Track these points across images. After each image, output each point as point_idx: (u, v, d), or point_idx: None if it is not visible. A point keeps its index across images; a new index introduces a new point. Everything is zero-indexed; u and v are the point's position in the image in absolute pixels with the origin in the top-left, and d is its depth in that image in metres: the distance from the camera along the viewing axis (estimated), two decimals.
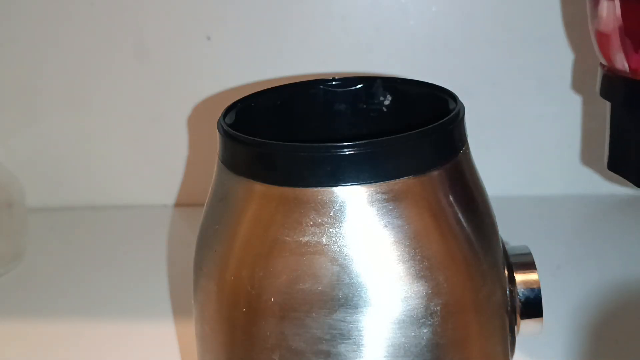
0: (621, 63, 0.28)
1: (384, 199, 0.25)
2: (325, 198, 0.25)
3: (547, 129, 0.56)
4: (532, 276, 0.30)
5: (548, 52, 0.54)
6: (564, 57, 0.54)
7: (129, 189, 0.62)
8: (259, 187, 0.27)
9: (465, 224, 0.27)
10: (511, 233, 0.39)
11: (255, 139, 0.27)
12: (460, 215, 0.27)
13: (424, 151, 0.27)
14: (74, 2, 0.55)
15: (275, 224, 0.26)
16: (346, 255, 0.25)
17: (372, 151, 0.25)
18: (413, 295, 0.26)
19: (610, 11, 0.30)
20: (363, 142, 0.25)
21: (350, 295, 0.25)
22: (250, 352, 0.27)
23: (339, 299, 0.25)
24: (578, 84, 0.54)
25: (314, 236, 0.25)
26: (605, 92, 0.29)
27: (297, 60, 0.55)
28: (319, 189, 0.25)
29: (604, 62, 0.30)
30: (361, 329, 0.26)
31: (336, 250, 0.25)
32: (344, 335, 0.26)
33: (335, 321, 0.25)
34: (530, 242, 0.33)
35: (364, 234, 0.25)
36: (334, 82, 0.35)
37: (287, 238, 0.26)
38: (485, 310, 0.28)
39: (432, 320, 0.26)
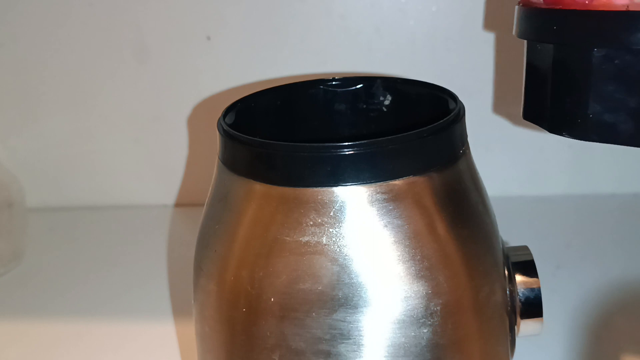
0: None
1: (384, 199, 0.25)
2: (325, 198, 0.25)
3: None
4: (532, 276, 0.30)
5: None
6: None
7: (129, 189, 0.62)
8: (259, 187, 0.27)
9: (465, 224, 0.27)
10: (511, 233, 0.39)
11: (255, 139, 0.27)
12: (460, 215, 0.27)
13: (424, 151, 0.27)
14: (74, 3, 0.55)
15: (275, 224, 0.26)
16: (346, 255, 0.25)
17: (372, 151, 0.25)
18: (413, 295, 0.26)
19: None
20: (363, 142, 0.25)
21: (350, 295, 0.25)
22: (250, 352, 0.27)
23: (339, 299, 0.25)
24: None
25: (314, 236, 0.25)
26: (521, 31, 0.27)
27: (297, 60, 0.55)
28: (319, 189, 0.25)
29: None
30: (361, 329, 0.26)
31: (336, 250, 0.25)
32: (344, 335, 0.26)
33: (335, 321, 0.25)
34: (530, 242, 0.33)
35: (364, 234, 0.25)
36: (334, 82, 0.35)
37: (287, 238, 0.26)
38: (485, 310, 0.28)
39: (432, 320, 0.26)
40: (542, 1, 0.26)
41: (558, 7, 0.25)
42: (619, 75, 0.24)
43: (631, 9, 0.23)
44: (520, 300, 0.29)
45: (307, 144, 0.25)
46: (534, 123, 0.29)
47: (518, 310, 0.29)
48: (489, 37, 0.53)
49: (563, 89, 0.26)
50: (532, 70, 0.28)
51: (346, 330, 0.26)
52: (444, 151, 0.27)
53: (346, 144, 0.25)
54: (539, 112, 0.28)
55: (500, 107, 0.56)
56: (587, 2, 0.24)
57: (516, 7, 0.27)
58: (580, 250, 0.49)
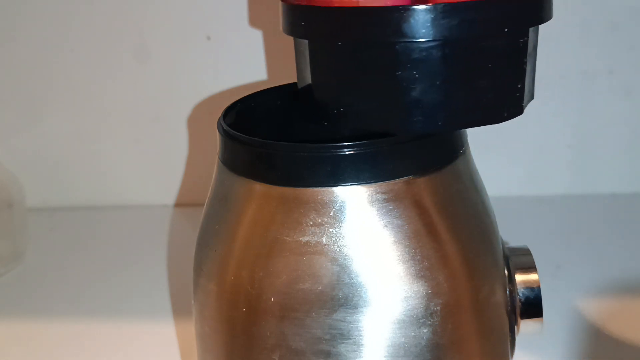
0: None
1: (384, 199, 0.25)
2: (325, 198, 0.25)
3: (547, 129, 0.56)
4: (532, 276, 0.30)
5: (548, 52, 0.54)
6: (564, 57, 0.54)
7: (129, 189, 0.62)
8: (259, 187, 0.27)
9: (465, 224, 0.27)
10: (511, 233, 0.39)
11: (255, 139, 0.27)
12: (460, 215, 0.27)
13: (424, 151, 0.27)
14: (74, 3, 0.55)
15: (275, 224, 0.26)
16: (346, 255, 0.25)
17: (372, 151, 0.25)
18: (413, 295, 0.26)
19: None
20: (363, 142, 0.25)
21: (350, 295, 0.25)
22: (250, 352, 0.27)
23: (339, 299, 0.25)
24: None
25: (314, 236, 0.25)
26: (282, 26, 0.28)
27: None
28: (319, 189, 0.25)
29: None
30: (361, 329, 0.26)
31: (336, 250, 0.25)
32: (344, 335, 0.26)
33: (335, 321, 0.25)
34: (530, 242, 0.33)
35: (364, 234, 0.25)
36: None
37: (287, 238, 0.26)
38: (485, 310, 0.28)
39: (432, 320, 0.26)
40: None
41: (304, 3, 0.26)
42: (363, 67, 0.25)
43: (361, 4, 0.24)
44: (520, 300, 0.29)
45: (307, 144, 0.25)
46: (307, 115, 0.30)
47: (518, 310, 0.29)
48: None
49: (319, 82, 0.27)
50: (298, 63, 0.29)
51: (346, 330, 0.26)
52: (443, 151, 0.27)
53: (346, 144, 0.25)
54: (305, 102, 0.29)
55: None
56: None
57: (280, 3, 0.29)
58: (580, 250, 0.49)
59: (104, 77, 0.58)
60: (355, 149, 0.25)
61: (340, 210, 0.25)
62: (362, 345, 0.26)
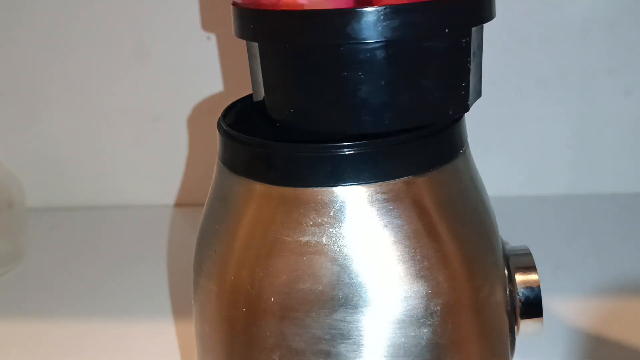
0: None
1: (384, 199, 0.25)
2: (325, 198, 0.25)
3: (547, 129, 0.56)
4: (532, 276, 0.30)
5: (548, 52, 0.54)
6: (564, 57, 0.54)
7: (129, 189, 0.62)
8: (259, 187, 0.27)
9: (465, 224, 0.27)
10: (511, 233, 0.39)
11: (255, 139, 0.27)
12: (460, 215, 0.27)
13: (424, 151, 0.27)
14: (74, 3, 0.55)
15: (275, 224, 0.26)
16: (346, 255, 0.25)
17: (372, 151, 0.25)
18: (413, 295, 0.26)
19: None
20: (363, 142, 0.25)
21: (350, 295, 0.25)
22: (250, 352, 0.27)
23: (339, 299, 0.25)
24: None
25: (314, 236, 0.25)
26: (234, 29, 0.29)
27: None
28: (319, 189, 0.25)
29: None
30: (361, 329, 0.26)
31: (336, 250, 0.25)
32: (344, 335, 0.26)
33: (335, 321, 0.25)
34: (530, 242, 0.33)
35: (364, 234, 0.25)
36: None
37: (287, 238, 0.26)
38: (485, 310, 0.28)
39: (432, 320, 0.26)
40: (240, 1, 0.27)
41: (253, 6, 0.27)
42: (311, 68, 0.26)
43: (307, 8, 0.25)
44: (520, 300, 0.29)
45: (307, 144, 0.25)
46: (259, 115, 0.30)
47: (518, 310, 0.29)
48: (489, 37, 0.53)
49: (271, 84, 0.28)
50: (251, 66, 0.30)
51: (346, 330, 0.26)
52: (443, 151, 0.27)
53: (346, 144, 0.25)
54: (258, 103, 0.29)
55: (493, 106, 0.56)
56: (274, 2, 0.26)
57: (231, 6, 0.29)
58: (580, 250, 0.49)
59: (104, 77, 0.58)
60: (355, 149, 0.25)
61: (340, 210, 0.25)
62: (362, 345, 0.26)
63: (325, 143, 0.25)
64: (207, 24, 0.55)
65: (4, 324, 0.46)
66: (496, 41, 0.53)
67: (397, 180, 0.26)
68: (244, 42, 0.29)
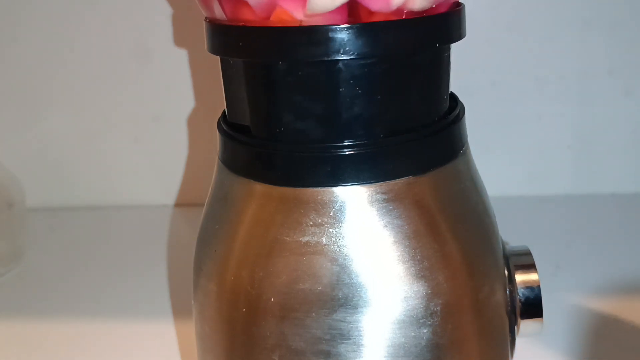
0: (218, 11, 0.27)
1: (384, 199, 0.25)
2: (325, 198, 0.25)
3: (547, 129, 0.56)
4: (532, 276, 0.30)
5: (548, 52, 0.54)
6: (565, 56, 0.54)
7: (129, 189, 0.62)
8: (259, 187, 0.27)
9: (465, 224, 0.27)
10: (511, 233, 0.39)
11: (255, 139, 0.27)
12: (460, 215, 0.27)
13: (424, 151, 0.27)
14: (75, 3, 0.55)
15: (275, 224, 0.26)
16: (346, 255, 0.25)
17: (372, 151, 0.25)
18: (413, 295, 0.26)
19: None
20: (363, 142, 0.25)
21: (350, 295, 0.25)
22: (250, 352, 0.27)
23: (339, 299, 0.25)
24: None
25: (314, 236, 0.25)
26: (210, 46, 0.28)
27: None
28: (319, 189, 0.25)
29: (206, 14, 0.29)
30: (361, 329, 0.26)
31: (336, 250, 0.25)
32: (344, 335, 0.26)
33: (335, 321, 0.25)
34: (530, 242, 0.33)
35: (364, 234, 0.25)
36: None
37: (287, 238, 0.26)
38: (485, 310, 0.28)
39: (432, 320, 0.26)
40: (225, 18, 0.27)
41: (240, 24, 0.26)
42: (302, 85, 0.25)
43: (304, 24, 0.24)
44: (520, 300, 0.29)
45: (307, 144, 0.25)
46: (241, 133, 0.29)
47: (518, 310, 0.29)
48: (489, 37, 0.53)
49: (257, 101, 0.27)
50: (229, 84, 0.29)
51: (346, 330, 0.26)
52: (443, 151, 0.27)
53: (346, 144, 0.25)
54: (242, 120, 0.29)
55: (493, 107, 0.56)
56: (265, 19, 0.25)
57: (204, 22, 0.28)
58: (580, 250, 0.49)
59: (104, 77, 0.58)
60: (355, 149, 0.25)
61: (340, 210, 0.25)
62: (362, 345, 0.26)
63: (325, 143, 0.25)
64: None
65: (4, 324, 0.46)
66: (496, 41, 0.53)
67: (397, 181, 0.26)
68: None
